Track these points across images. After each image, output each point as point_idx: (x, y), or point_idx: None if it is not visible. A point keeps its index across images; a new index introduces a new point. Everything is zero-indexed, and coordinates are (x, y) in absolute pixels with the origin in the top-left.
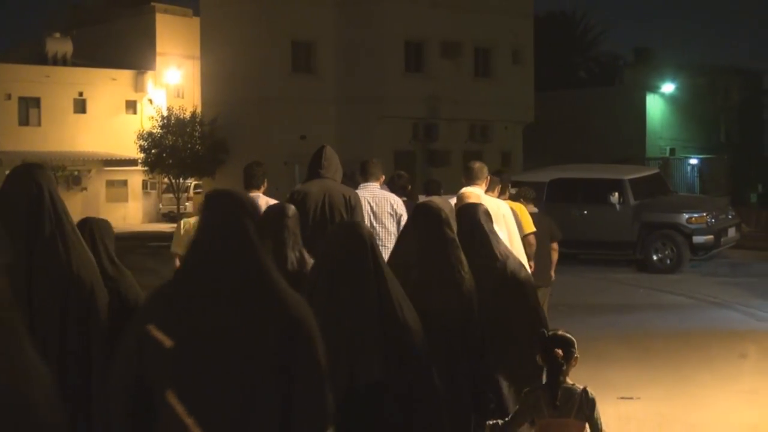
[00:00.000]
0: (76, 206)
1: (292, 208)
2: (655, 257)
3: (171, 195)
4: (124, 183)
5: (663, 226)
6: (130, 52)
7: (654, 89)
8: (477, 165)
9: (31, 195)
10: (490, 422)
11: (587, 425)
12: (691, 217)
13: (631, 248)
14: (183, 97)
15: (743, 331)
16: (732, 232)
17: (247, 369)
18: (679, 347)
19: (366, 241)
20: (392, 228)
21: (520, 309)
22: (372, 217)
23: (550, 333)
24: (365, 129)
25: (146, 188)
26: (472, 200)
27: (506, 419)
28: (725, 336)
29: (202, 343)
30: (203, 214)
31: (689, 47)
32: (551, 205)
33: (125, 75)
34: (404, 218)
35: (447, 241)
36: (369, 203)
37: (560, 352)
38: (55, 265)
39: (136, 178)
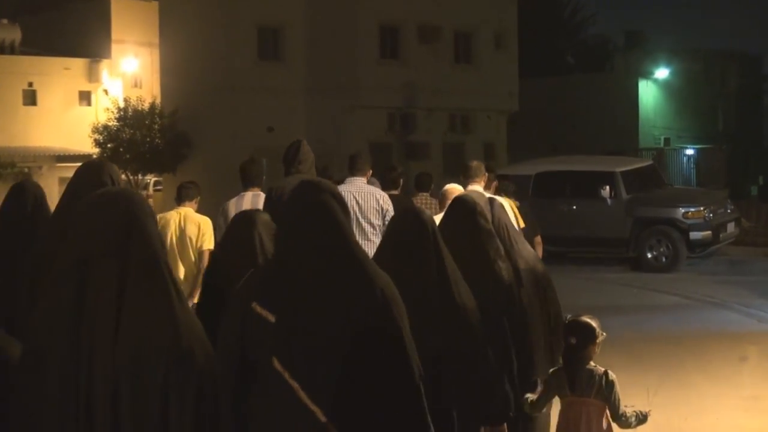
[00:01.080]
0: None
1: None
2: (649, 255)
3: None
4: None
5: (658, 222)
6: (84, 39)
7: (647, 75)
8: (475, 163)
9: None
10: (528, 396)
11: (607, 406)
12: (687, 212)
13: (624, 245)
14: (141, 87)
15: (743, 333)
16: (731, 227)
17: (340, 340)
18: (675, 351)
19: (428, 225)
20: (377, 223)
21: (541, 303)
22: (357, 213)
23: (569, 319)
24: (337, 120)
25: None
26: (456, 192)
27: (533, 398)
28: (724, 338)
29: (301, 318)
30: (292, 199)
31: (684, 30)
32: (537, 200)
33: (78, 64)
34: (390, 213)
35: (483, 233)
36: (354, 198)
37: (573, 339)
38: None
39: None
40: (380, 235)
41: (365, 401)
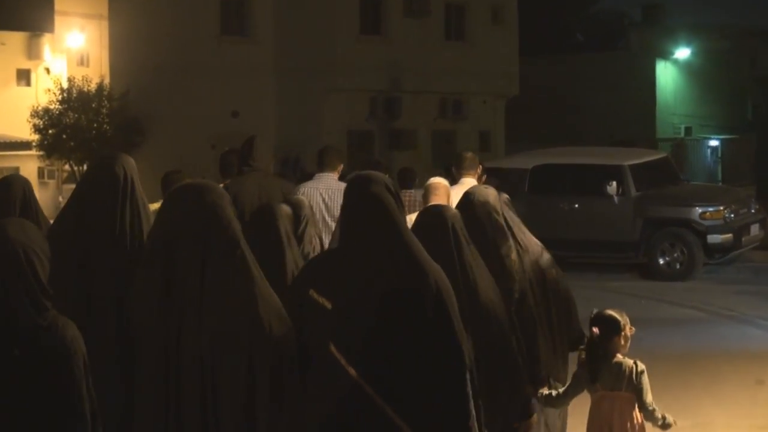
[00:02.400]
0: None
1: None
2: (661, 261)
3: (74, 185)
4: (16, 170)
5: (671, 223)
6: (23, 10)
7: (666, 55)
8: (470, 155)
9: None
10: (543, 391)
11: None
12: (705, 212)
13: (633, 250)
14: (88, 66)
15: (763, 352)
16: (755, 229)
17: (395, 328)
18: (682, 371)
19: (448, 221)
20: None
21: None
22: (324, 211)
23: (594, 313)
24: (312, 104)
25: (43, 177)
26: (439, 192)
27: (560, 391)
28: (740, 358)
29: (357, 305)
30: (348, 190)
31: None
32: (534, 197)
33: (16, 38)
34: None
35: (496, 229)
36: (321, 195)
37: (596, 330)
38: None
39: (30, 164)
40: None
41: (419, 387)
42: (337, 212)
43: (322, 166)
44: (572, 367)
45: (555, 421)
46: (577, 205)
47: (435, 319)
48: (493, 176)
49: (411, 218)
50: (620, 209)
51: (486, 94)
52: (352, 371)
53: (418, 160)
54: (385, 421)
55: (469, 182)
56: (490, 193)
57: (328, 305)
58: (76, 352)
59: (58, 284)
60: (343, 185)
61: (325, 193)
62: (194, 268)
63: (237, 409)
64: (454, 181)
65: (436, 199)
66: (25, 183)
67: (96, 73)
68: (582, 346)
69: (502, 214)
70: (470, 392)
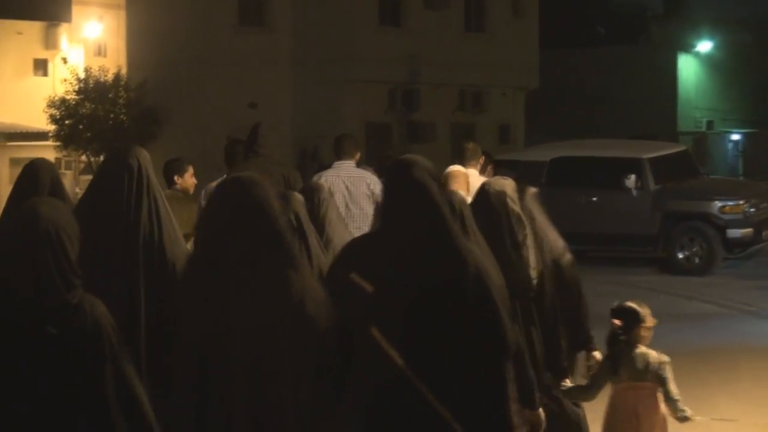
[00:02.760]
0: None
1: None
2: (680, 255)
3: (90, 176)
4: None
5: (690, 217)
6: (40, 0)
7: (687, 48)
8: (471, 145)
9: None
10: (566, 384)
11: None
12: (725, 206)
13: (652, 244)
14: (106, 56)
15: None
16: None
17: (436, 311)
18: (698, 368)
19: (456, 207)
20: (369, 209)
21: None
22: (347, 198)
23: (615, 305)
24: (330, 96)
25: (60, 168)
26: (459, 180)
27: (585, 383)
28: (760, 355)
29: (398, 289)
30: (388, 176)
31: None
32: (552, 190)
33: (33, 28)
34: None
35: (513, 219)
36: (344, 183)
37: (617, 322)
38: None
39: (47, 155)
40: (370, 221)
41: (458, 372)
42: (359, 200)
43: (341, 154)
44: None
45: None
46: (595, 199)
47: (476, 304)
48: (510, 169)
49: None
50: (639, 203)
51: (506, 87)
52: (393, 354)
53: (436, 153)
54: (426, 405)
55: (471, 173)
56: (507, 184)
57: (369, 288)
58: (104, 330)
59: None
60: (363, 172)
61: (347, 180)
62: (243, 263)
63: (286, 402)
64: None
65: (456, 187)
66: (52, 168)
67: (113, 63)
68: (590, 347)
69: (526, 206)
70: (508, 378)
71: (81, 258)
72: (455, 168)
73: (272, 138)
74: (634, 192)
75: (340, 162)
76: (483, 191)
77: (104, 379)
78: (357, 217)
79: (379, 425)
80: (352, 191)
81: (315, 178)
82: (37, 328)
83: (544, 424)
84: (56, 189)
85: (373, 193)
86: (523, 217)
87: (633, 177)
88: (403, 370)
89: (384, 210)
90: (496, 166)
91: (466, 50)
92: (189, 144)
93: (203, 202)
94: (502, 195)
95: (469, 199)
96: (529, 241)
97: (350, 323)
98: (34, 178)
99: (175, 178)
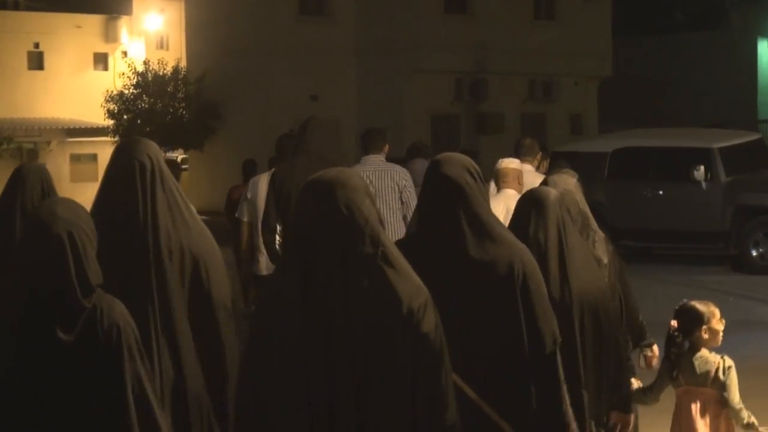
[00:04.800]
0: None
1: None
2: (754, 252)
3: None
4: (93, 158)
5: (765, 211)
6: None
7: None
8: (528, 141)
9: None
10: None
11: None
12: None
13: (722, 240)
14: (168, 49)
15: None
16: None
17: (479, 312)
18: None
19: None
20: (394, 204)
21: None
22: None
23: (679, 304)
24: (394, 87)
25: None
26: (509, 177)
27: (646, 386)
28: None
29: (439, 291)
30: (427, 173)
31: None
32: (615, 183)
33: (93, 21)
34: (408, 190)
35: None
36: (369, 178)
37: (674, 323)
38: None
39: (107, 150)
40: (399, 217)
41: (504, 372)
42: (384, 194)
43: (367, 149)
44: None
45: None
46: (661, 192)
47: (518, 303)
48: (562, 160)
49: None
50: (709, 196)
51: (577, 76)
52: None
53: (505, 144)
54: (472, 407)
55: (527, 169)
56: (572, 181)
57: None
58: (122, 331)
59: None
60: (389, 165)
61: (372, 174)
62: (335, 271)
63: (395, 408)
64: None
65: (505, 186)
66: (42, 172)
67: (176, 56)
68: (645, 343)
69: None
70: (561, 377)
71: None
72: (506, 164)
73: (320, 134)
74: (704, 184)
75: (366, 156)
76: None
77: (123, 381)
78: (383, 212)
79: None
80: (377, 185)
81: None
82: (51, 334)
83: (630, 428)
84: (47, 194)
85: (398, 186)
86: (590, 217)
87: (702, 168)
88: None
89: (420, 209)
90: (552, 158)
91: (535, 38)
92: (249, 138)
93: (249, 194)
94: (570, 194)
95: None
96: (597, 238)
97: None
98: (21, 183)
99: None
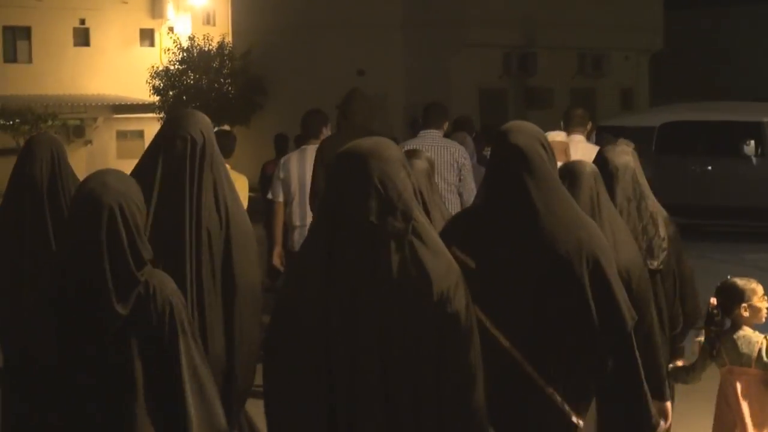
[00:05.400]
0: (80, 164)
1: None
2: None
3: None
4: (140, 134)
5: None
6: None
7: None
8: (579, 111)
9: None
10: (677, 364)
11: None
12: None
13: None
14: (215, 24)
15: None
16: None
17: (542, 287)
18: None
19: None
20: (452, 180)
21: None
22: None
23: (721, 282)
24: (442, 61)
25: None
26: (556, 149)
27: (689, 364)
28: None
29: (502, 264)
30: (494, 144)
31: None
32: (663, 158)
33: None
34: (466, 167)
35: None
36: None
37: (713, 301)
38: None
39: (154, 127)
40: (456, 193)
41: (573, 355)
42: (442, 170)
43: (428, 123)
44: None
45: None
46: (710, 167)
47: (589, 282)
48: (608, 134)
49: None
50: (760, 171)
51: (628, 50)
52: (496, 333)
53: (554, 119)
54: (536, 390)
55: (578, 139)
56: (629, 152)
57: (472, 264)
58: (175, 308)
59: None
60: (447, 141)
61: (431, 150)
62: (363, 245)
63: (420, 388)
64: None
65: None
66: (53, 143)
67: (223, 32)
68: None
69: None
70: (636, 355)
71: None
72: (552, 137)
73: (364, 105)
74: (754, 160)
75: (425, 131)
76: (602, 161)
77: (179, 356)
78: (441, 188)
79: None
80: (435, 161)
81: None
82: (107, 307)
83: (670, 418)
84: (57, 165)
85: (457, 162)
86: (648, 194)
87: (752, 143)
88: (510, 351)
89: (487, 180)
90: (598, 132)
91: (585, 11)
92: (296, 114)
93: (281, 174)
94: (628, 167)
95: None
96: (653, 216)
97: None
98: (31, 155)
99: None
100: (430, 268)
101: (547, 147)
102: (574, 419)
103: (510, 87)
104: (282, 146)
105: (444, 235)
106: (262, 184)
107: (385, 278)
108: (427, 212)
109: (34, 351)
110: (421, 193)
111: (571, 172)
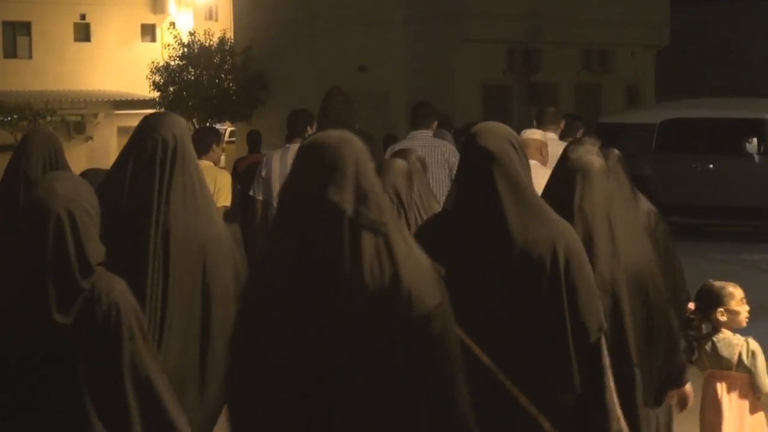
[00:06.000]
0: (80, 161)
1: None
2: None
3: None
4: None
5: None
6: None
7: None
8: (551, 109)
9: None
10: None
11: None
12: None
13: None
14: (217, 20)
15: None
16: None
17: (515, 293)
18: None
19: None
20: (444, 180)
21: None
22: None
23: (702, 285)
24: (444, 57)
25: None
26: (530, 148)
27: None
28: None
29: (474, 270)
30: (464, 146)
31: None
32: (663, 155)
33: None
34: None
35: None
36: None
37: (691, 306)
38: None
39: None
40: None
41: (541, 357)
42: (434, 170)
43: (416, 123)
44: None
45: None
46: (711, 166)
47: (560, 284)
48: (612, 133)
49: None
50: (763, 169)
51: (634, 45)
52: (473, 346)
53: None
54: (507, 397)
55: (551, 137)
56: (593, 150)
57: (443, 272)
58: (121, 314)
59: None
60: (438, 141)
61: (421, 150)
62: (335, 236)
63: (386, 387)
64: None
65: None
66: (49, 140)
67: (226, 27)
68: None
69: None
70: (606, 365)
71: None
72: (528, 135)
73: (344, 102)
74: (757, 158)
75: (415, 132)
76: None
77: (121, 361)
78: (432, 187)
79: None
80: (426, 161)
81: (388, 150)
82: (47, 316)
83: (691, 398)
84: (54, 163)
85: (447, 162)
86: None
87: (755, 140)
88: (481, 359)
89: (457, 184)
90: (597, 129)
91: (590, 6)
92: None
93: (263, 172)
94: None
95: (548, 167)
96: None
97: None
98: (26, 152)
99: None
100: (403, 264)
101: (518, 148)
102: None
103: (514, 83)
104: (255, 142)
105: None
106: (233, 181)
107: (357, 272)
108: (405, 211)
109: None
110: (398, 193)
111: (581, 170)
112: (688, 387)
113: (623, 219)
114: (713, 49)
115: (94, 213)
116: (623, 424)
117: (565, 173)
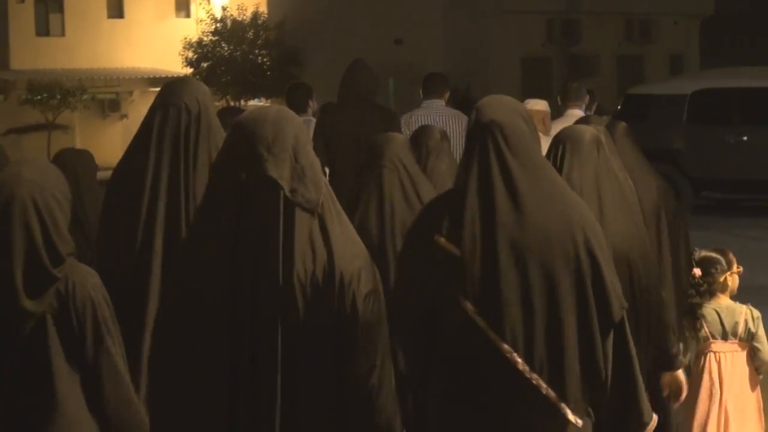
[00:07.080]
0: (115, 139)
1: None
2: None
3: None
4: None
5: None
6: None
7: None
8: (575, 84)
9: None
10: None
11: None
12: None
13: None
14: None
15: None
16: None
17: (534, 277)
18: None
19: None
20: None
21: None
22: None
23: (700, 255)
24: (482, 29)
25: None
26: (535, 114)
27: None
28: None
29: (490, 252)
30: (471, 119)
31: None
32: (695, 127)
33: None
34: None
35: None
36: (435, 122)
37: (696, 272)
38: None
39: None
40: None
41: (563, 346)
42: (453, 138)
43: (429, 93)
44: None
45: None
46: (745, 138)
47: (581, 267)
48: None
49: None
50: None
51: (677, 15)
52: (482, 324)
53: (601, 88)
54: (526, 386)
55: (574, 114)
56: (592, 130)
57: (457, 252)
58: (96, 309)
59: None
60: (455, 111)
61: (439, 119)
62: (271, 214)
63: (319, 375)
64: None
65: None
66: (78, 161)
67: (260, 2)
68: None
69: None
70: (632, 351)
71: (126, 212)
72: (531, 105)
73: (366, 75)
74: None
75: (429, 101)
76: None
77: (101, 356)
78: (454, 155)
79: (469, 406)
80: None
81: (404, 118)
82: (16, 307)
83: (685, 389)
84: (76, 189)
85: (464, 132)
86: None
87: None
88: (498, 345)
89: (465, 159)
90: (626, 101)
91: None
92: (332, 85)
93: None
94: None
95: (547, 140)
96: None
97: (438, 294)
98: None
99: None
100: (337, 249)
101: (528, 121)
102: (571, 417)
103: (553, 55)
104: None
105: (424, 221)
106: None
107: (288, 254)
108: (414, 184)
109: None
110: (403, 164)
111: (571, 139)
112: (680, 373)
113: (613, 190)
114: (759, 18)
115: (63, 200)
116: (653, 415)
117: (555, 143)
